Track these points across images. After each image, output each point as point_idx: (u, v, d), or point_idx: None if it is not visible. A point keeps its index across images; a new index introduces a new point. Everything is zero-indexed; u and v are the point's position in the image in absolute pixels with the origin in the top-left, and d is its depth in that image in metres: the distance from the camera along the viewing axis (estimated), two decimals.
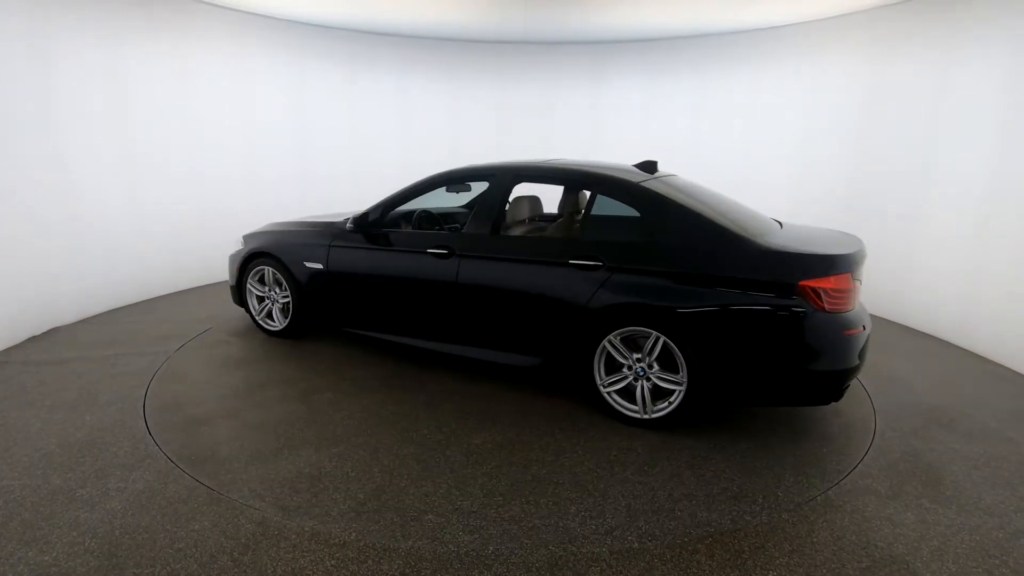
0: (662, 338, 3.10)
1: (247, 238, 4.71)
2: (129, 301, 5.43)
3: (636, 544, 2.33)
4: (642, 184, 3.42)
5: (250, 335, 4.67)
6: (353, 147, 7.45)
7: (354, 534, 2.35)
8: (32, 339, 4.45)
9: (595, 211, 3.50)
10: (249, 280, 4.61)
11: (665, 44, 7.23)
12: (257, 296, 4.65)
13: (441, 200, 4.51)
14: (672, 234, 3.20)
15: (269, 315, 4.64)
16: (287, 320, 4.50)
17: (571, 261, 3.33)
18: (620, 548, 2.31)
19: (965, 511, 2.60)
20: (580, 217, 3.88)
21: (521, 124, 7.94)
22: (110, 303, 5.25)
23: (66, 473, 2.72)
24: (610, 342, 3.25)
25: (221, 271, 6.41)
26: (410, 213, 4.39)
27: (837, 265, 2.95)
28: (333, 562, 2.20)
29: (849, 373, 3.02)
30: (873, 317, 5.51)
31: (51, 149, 4.63)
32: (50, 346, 4.32)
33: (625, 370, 3.27)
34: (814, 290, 2.87)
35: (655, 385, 3.21)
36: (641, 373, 3.23)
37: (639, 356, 3.21)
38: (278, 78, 6.70)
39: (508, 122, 7.95)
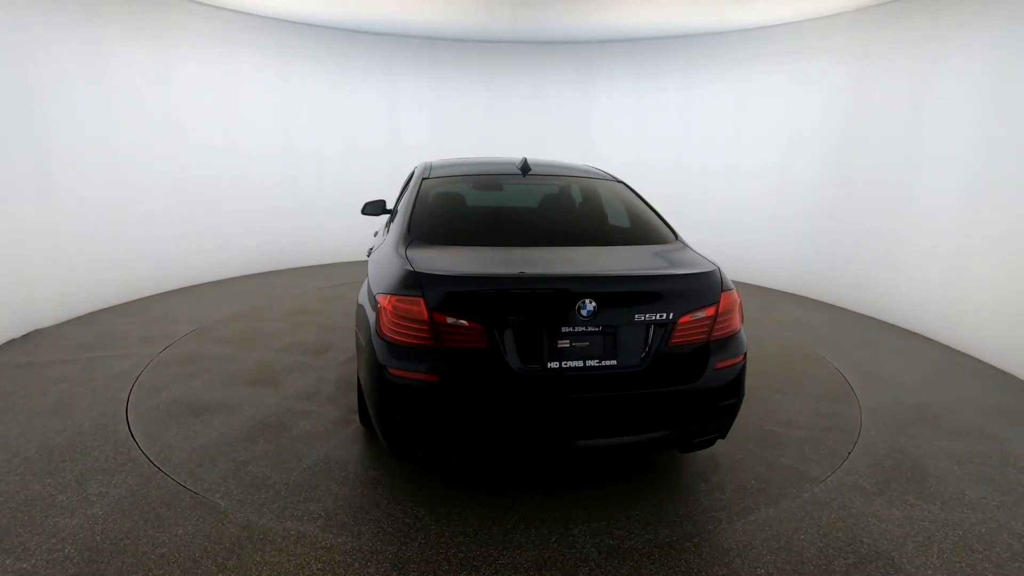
0: None
1: None
2: (112, 302, 5.35)
3: (625, 543, 2.33)
4: (421, 183, 3.23)
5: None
6: (339, 144, 7.39)
7: (341, 537, 2.33)
8: (11, 342, 4.35)
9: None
10: None
11: (654, 44, 7.25)
12: None
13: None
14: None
15: None
16: None
17: (367, 256, 3.40)
18: (609, 547, 2.30)
19: (949, 507, 2.63)
20: None
21: (511, 123, 7.92)
22: (92, 304, 5.16)
23: (45, 479, 2.66)
24: None
25: (206, 271, 6.34)
26: None
27: (401, 284, 2.31)
28: (320, 565, 2.17)
29: (395, 428, 2.29)
30: (862, 315, 5.60)
31: (32, 148, 4.55)
32: (30, 348, 4.24)
33: None
34: (382, 308, 2.35)
35: None
36: None
37: None
38: (262, 76, 6.64)
39: (497, 121, 7.93)
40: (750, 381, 3.87)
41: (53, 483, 2.63)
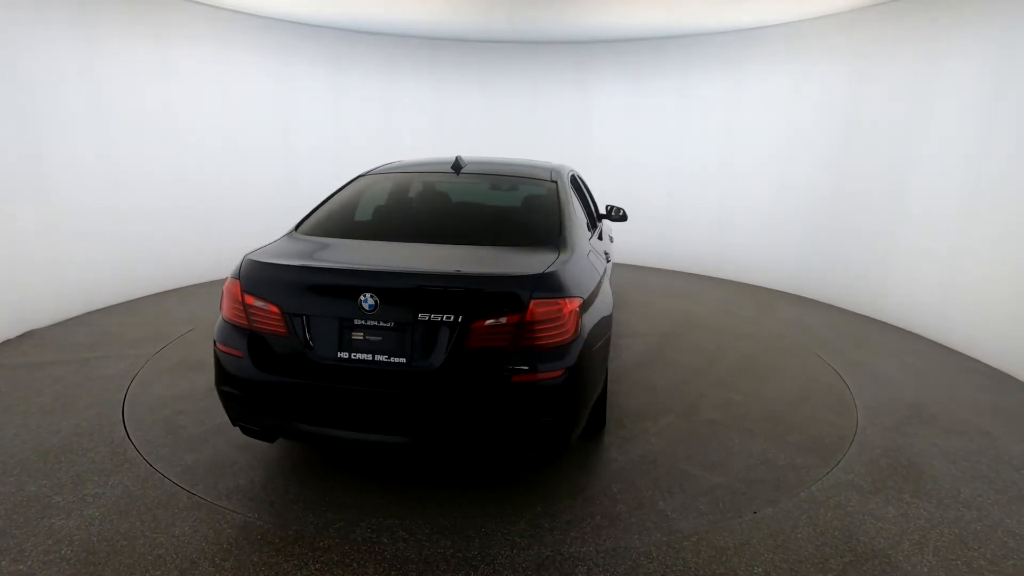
0: None
1: None
2: (109, 303, 5.33)
3: (622, 542, 2.33)
4: (356, 178, 3.43)
5: None
6: (339, 144, 7.37)
7: (339, 537, 2.33)
8: (6, 342, 4.34)
9: None
10: None
11: (652, 44, 7.25)
12: None
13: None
14: None
15: None
16: None
17: None
18: (607, 547, 2.31)
19: (944, 505, 2.64)
20: None
21: (510, 123, 7.92)
22: (89, 305, 5.15)
23: (41, 480, 2.66)
24: None
25: (202, 271, 6.32)
26: None
27: (236, 267, 2.56)
28: (318, 566, 2.17)
29: (228, 401, 2.49)
30: (857, 315, 5.61)
31: (30, 148, 4.54)
32: (26, 349, 4.23)
33: None
34: (223, 288, 2.61)
35: None
36: None
37: None
38: (261, 76, 6.62)
39: (495, 121, 7.92)
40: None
41: (49, 484, 2.63)
